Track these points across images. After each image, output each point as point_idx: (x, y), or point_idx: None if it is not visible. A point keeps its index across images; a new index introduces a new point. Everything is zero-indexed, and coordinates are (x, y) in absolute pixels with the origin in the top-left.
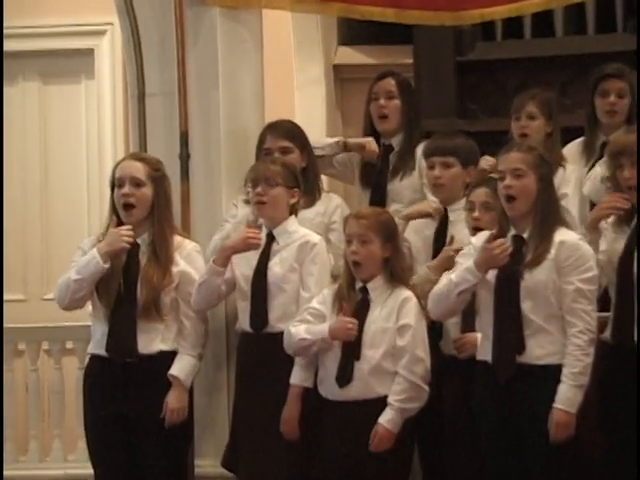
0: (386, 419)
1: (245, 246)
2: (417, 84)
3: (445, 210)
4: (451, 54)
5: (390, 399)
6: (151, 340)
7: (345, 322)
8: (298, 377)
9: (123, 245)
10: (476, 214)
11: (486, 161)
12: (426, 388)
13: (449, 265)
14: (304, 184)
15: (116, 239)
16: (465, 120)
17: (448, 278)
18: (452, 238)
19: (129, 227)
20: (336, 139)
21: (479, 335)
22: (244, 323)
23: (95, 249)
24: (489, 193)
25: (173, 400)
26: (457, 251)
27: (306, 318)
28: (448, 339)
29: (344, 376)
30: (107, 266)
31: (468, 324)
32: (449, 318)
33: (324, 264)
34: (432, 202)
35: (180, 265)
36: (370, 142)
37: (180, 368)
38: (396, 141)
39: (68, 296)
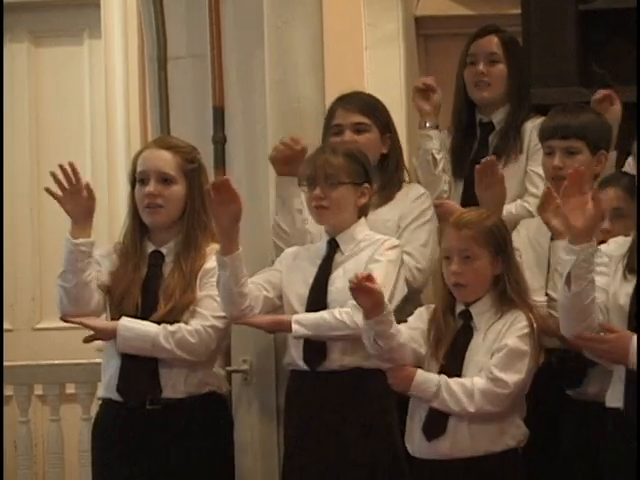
0: None
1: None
2: (526, 42)
3: None
4: (572, 1)
5: None
6: (176, 376)
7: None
8: None
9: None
10: (606, 225)
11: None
12: None
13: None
14: (382, 176)
15: (68, 196)
16: (590, 89)
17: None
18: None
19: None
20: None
21: None
22: (296, 358)
23: None
24: (621, 195)
25: None
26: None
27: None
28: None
29: (434, 425)
30: (79, 241)
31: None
32: (580, 327)
33: (396, 268)
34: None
35: (207, 265)
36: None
37: None
38: (497, 117)
39: (64, 301)
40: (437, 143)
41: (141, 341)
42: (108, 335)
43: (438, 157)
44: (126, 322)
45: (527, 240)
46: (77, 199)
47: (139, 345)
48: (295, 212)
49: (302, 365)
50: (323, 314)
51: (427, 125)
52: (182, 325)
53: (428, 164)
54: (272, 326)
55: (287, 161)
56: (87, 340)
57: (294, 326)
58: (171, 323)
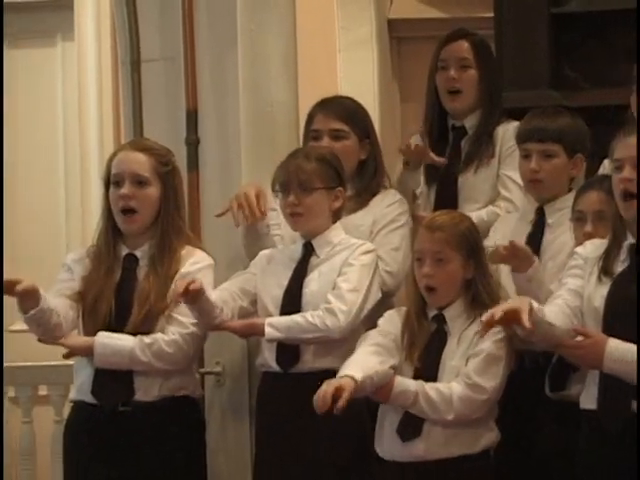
0: None
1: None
2: (498, 45)
3: (541, 210)
4: (544, 4)
5: None
6: (151, 382)
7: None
8: None
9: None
10: (589, 228)
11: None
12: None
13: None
14: (359, 182)
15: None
16: (562, 91)
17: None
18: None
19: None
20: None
21: None
22: (269, 359)
23: None
24: (603, 198)
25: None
26: (513, 249)
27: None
28: None
29: (409, 426)
30: (30, 314)
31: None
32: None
33: (370, 272)
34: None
35: (182, 270)
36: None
37: None
38: (470, 122)
39: (37, 334)
40: (418, 181)
41: (118, 356)
42: (85, 352)
43: (418, 192)
44: (102, 339)
45: (502, 238)
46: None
47: (116, 360)
48: (263, 237)
49: (275, 367)
50: (295, 317)
51: (410, 166)
52: (158, 336)
53: (407, 197)
54: (245, 330)
55: None
56: (66, 356)
57: (267, 329)
58: (147, 332)
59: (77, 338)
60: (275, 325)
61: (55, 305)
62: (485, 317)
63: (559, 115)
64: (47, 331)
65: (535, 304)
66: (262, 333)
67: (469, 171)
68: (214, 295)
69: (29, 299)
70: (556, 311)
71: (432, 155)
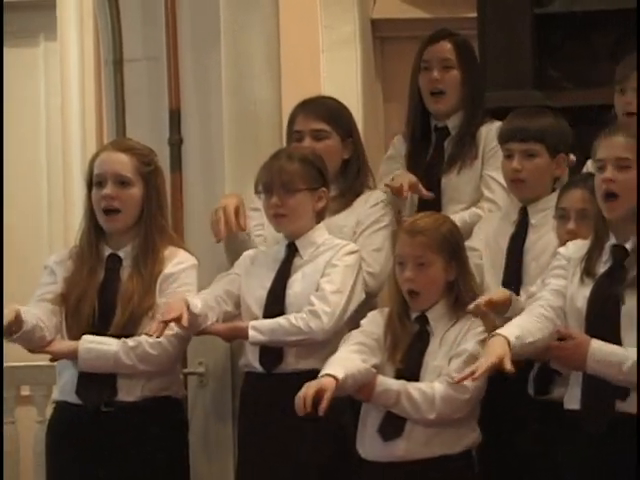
0: None
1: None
2: (482, 46)
3: (524, 210)
4: (527, 5)
5: None
6: (134, 382)
7: None
8: None
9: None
10: (572, 226)
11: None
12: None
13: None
14: (342, 182)
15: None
16: (544, 92)
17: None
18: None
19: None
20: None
21: None
22: (252, 359)
23: None
24: (587, 197)
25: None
26: (491, 305)
27: (359, 341)
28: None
29: (391, 424)
30: (13, 337)
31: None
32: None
33: (354, 273)
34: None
35: (166, 270)
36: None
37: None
38: (453, 123)
39: (25, 347)
40: (405, 203)
41: (102, 360)
42: (69, 357)
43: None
44: (86, 344)
45: (486, 239)
46: None
47: (100, 364)
48: (244, 243)
49: (258, 367)
50: (279, 320)
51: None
52: (142, 338)
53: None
54: (229, 333)
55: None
56: (53, 360)
57: (251, 332)
58: (130, 333)
59: (62, 344)
60: (259, 328)
61: (37, 318)
62: (467, 372)
63: (541, 115)
64: (32, 344)
65: (512, 336)
66: (246, 336)
67: (452, 172)
68: (199, 300)
69: (12, 328)
70: (537, 314)
71: (422, 189)
